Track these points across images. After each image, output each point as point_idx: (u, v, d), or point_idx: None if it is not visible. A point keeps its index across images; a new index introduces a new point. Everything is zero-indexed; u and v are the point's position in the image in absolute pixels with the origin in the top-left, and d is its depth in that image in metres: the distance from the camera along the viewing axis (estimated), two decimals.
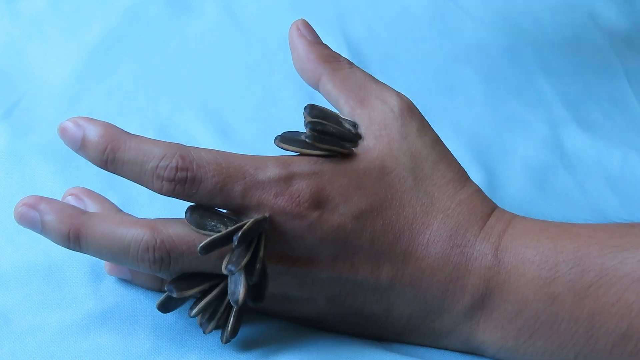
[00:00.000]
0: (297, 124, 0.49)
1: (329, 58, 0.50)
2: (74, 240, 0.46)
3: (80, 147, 0.46)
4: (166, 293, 0.46)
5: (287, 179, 0.45)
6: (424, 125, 0.49)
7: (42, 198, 0.46)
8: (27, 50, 0.66)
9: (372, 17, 0.72)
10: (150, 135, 0.58)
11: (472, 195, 0.47)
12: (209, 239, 0.44)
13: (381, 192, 0.46)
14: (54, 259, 0.51)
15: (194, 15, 0.70)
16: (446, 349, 0.48)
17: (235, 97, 0.65)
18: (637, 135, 0.64)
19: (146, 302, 0.50)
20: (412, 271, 0.46)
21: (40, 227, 0.46)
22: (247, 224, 0.44)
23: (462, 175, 0.48)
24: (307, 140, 0.46)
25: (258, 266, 0.44)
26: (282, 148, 0.47)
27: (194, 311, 0.46)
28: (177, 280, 0.46)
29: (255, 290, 0.45)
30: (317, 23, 0.67)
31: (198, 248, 0.44)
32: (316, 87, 0.51)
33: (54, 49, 0.66)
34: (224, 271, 0.44)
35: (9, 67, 0.64)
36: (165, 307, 0.47)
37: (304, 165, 0.46)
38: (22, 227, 0.47)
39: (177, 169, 0.45)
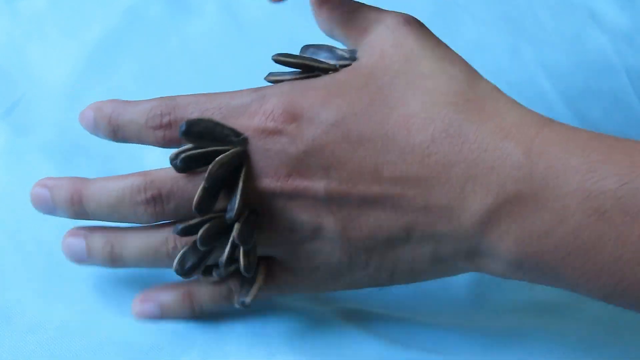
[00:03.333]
0: None
1: (337, 4, 0.49)
2: (77, 201, 0.47)
3: (95, 127, 0.48)
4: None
5: (260, 99, 0.45)
6: (423, 32, 0.46)
7: (49, 178, 0.48)
8: (27, 49, 0.66)
9: None
10: None
11: (485, 92, 0.44)
12: (190, 152, 0.44)
13: (366, 97, 0.44)
14: (55, 257, 0.51)
15: (194, 15, 0.70)
16: (445, 259, 0.45)
17: None
18: (637, 132, 0.64)
19: None
20: (419, 170, 0.43)
21: (51, 202, 0.47)
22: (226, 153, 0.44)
23: (470, 73, 0.45)
24: (272, 58, 0.47)
25: (211, 168, 0.44)
26: (269, 80, 0.48)
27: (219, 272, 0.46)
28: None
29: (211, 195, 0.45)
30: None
31: (178, 159, 0.44)
32: (331, 36, 0.51)
33: (54, 48, 0.66)
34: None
35: (9, 66, 0.64)
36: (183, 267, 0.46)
37: (278, 86, 0.46)
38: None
39: (161, 115, 0.46)
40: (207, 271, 0.47)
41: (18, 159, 0.58)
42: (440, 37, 0.48)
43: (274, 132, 0.45)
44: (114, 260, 0.47)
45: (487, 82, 0.45)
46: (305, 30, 0.53)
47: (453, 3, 0.73)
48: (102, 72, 0.65)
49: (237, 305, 0.47)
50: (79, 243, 0.48)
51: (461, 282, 0.53)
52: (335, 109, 0.44)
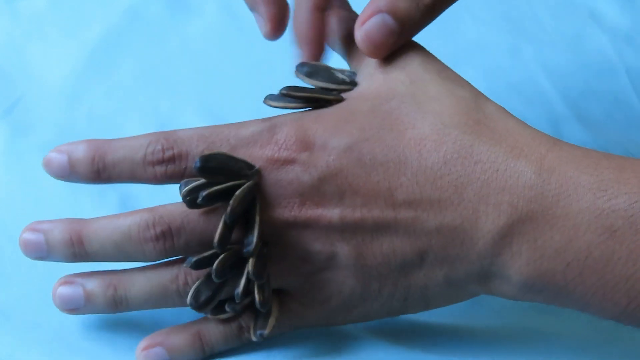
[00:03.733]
0: None
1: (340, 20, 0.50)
2: (77, 242, 0.45)
3: (70, 170, 0.46)
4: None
5: (270, 129, 0.45)
6: (427, 56, 0.46)
7: (41, 222, 0.47)
8: (27, 49, 0.66)
9: None
10: None
11: (494, 113, 0.44)
12: (210, 189, 0.43)
13: (375, 121, 0.44)
14: None
15: (194, 14, 0.70)
16: (457, 283, 0.44)
17: (235, 97, 0.65)
18: (637, 132, 0.64)
19: None
20: (432, 192, 0.43)
21: (46, 246, 0.46)
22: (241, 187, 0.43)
23: (477, 95, 0.45)
24: (282, 92, 0.46)
25: (232, 203, 0.43)
26: (269, 105, 0.47)
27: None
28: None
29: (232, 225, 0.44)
30: None
31: (200, 197, 0.43)
32: (332, 49, 0.51)
33: (54, 48, 0.66)
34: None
35: (8, 66, 0.64)
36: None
37: (287, 115, 0.46)
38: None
39: (163, 150, 0.45)
40: (218, 309, 0.46)
41: (18, 159, 0.58)
42: (440, 37, 0.48)
43: (287, 162, 0.44)
44: (117, 303, 0.46)
45: (494, 103, 0.45)
46: None
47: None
48: (102, 72, 0.65)
49: (254, 339, 0.45)
50: (74, 291, 0.46)
51: None
52: (347, 134, 0.44)
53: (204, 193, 0.43)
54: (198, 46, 0.68)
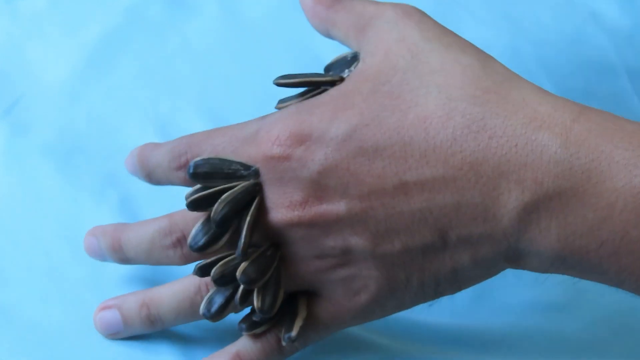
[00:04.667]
0: None
1: (330, 3, 0.47)
2: (118, 249, 0.47)
3: (134, 171, 0.48)
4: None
5: (266, 126, 0.44)
6: (426, 23, 0.44)
7: (96, 227, 0.48)
8: (26, 49, 0.66)
9: None
10: (150, 134, 0.59)
11: (505, 80, 0.41)
12: (196, 195, 0.44)
13: (375, 104, 0.42)
14: (53, 257, 0.51)
15: (194, 14, 0.70)
16: (485, 263, 0.42)
17: (236, 97, 0.65)
18: None
19: None
20: (445, 172, 0.40)
21: (99, 251, 0.48)
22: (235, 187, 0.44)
23: (484, 60, 0.42)
24: (274, 82, 0.45)
25: (215, 207, 0.43)
26: (279, 109, 0.46)
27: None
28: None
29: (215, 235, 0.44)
30: None
31: (186, 202, 0.44)
32: (329, 37, 0.48)
33: (54, 47, 0.66)
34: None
35: (8, 66, 0.64)
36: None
37: (283, 111, 0.44)
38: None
39: (179, 155, 0.46)
40: (252, 323, 0.45)
41: (17, 159, 0.58)
42: None
43: (283, 158, 0.42)
44: (153, 322, 0.46)
45: (503, 66, 0.42)
46: (306, 28, 0.53)
47: (453, 2, 0.73)
48: (102, 72, 0.65)
49: (283, 343, 0.44)
50: (113, 315, 0.47)
51: None
52: (345, 122, 0.42)
53: (190, 199, 0.43)
54: (198, 46, 0.68)
